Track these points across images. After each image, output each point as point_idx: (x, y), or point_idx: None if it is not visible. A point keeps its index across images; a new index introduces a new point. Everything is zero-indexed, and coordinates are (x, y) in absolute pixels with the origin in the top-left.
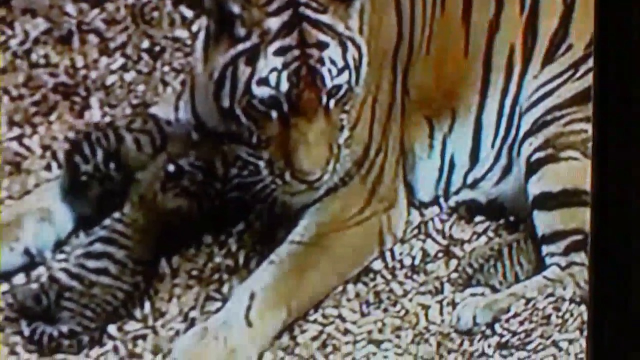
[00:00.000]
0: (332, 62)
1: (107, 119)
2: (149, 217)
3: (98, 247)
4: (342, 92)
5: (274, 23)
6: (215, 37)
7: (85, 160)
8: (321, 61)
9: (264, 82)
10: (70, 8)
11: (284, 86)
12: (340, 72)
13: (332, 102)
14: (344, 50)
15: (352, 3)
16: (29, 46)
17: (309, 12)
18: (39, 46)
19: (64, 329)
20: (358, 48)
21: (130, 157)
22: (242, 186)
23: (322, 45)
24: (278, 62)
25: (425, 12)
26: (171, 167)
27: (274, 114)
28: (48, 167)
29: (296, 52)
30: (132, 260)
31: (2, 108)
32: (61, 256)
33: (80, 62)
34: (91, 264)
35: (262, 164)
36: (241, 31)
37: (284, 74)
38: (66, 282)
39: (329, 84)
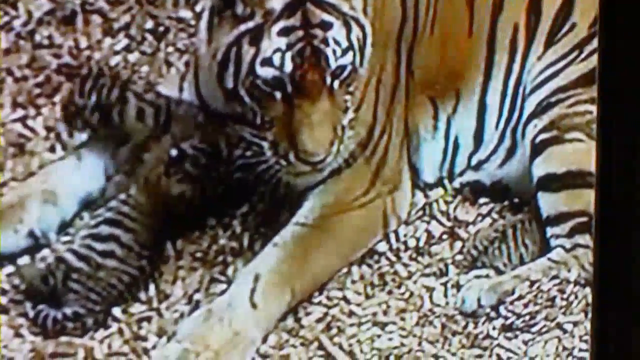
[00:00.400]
0: (336, 42)
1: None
2: (153, 200)
3: (104, 229)
4: (346, 73)
5: (277, 3)
6: (219, 16)
7: (81, 94)
8: (325, 42)
9: (267, 62)
10: None
11: (288, 67)
12: (345, 52)
13: (336, 83)
14: (348, 30)
15: None
16: (32, 27)
17: None
18: (43, 27)
19: (68, 311)
20: (362, 28)
21: (127, 121)
22: (246, 167)
23: (326, 26)
24: (282, 42)
25: None
26: (174, 152)
27: (278, 94)
28: (52, 149)
29: (300, 33)
30: (138, 243)
31: (5, 89)
32: (66, 238)
33: (84, 43)
34: (98, 246)
35: (266, 145)
36: (244, 10)
37: (288, 55)
38: (74, 263)
39: (333, 64)
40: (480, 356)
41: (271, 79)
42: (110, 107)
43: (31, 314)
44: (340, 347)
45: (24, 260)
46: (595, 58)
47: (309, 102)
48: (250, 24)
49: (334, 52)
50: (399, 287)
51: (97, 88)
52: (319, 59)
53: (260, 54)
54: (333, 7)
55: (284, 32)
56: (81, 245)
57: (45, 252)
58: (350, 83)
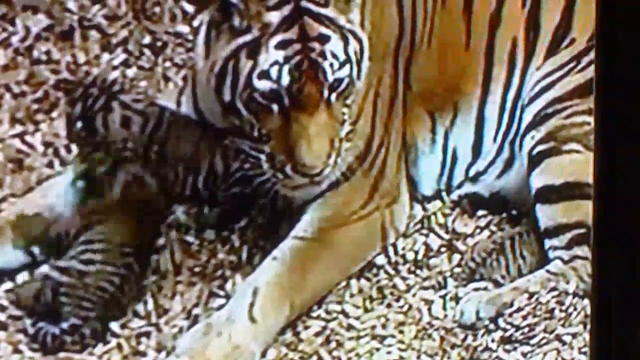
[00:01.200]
0: (334, 55)
1: None
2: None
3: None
4: (343, 86)
5: (274, 16)
6: (217, 30)
7: (72, 103)
8: (323, 55)
9: (265, 75)
10: (71, 4)
11: (285, 80)
12: (342, 65)
13: (333, 96)
14: (346, 43)
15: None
16: (30, 43)
17: (310, 6)
18: (41, 43)
19: (66, 325)
20: (359, 41)
21: (111, 129)
22: (244, 180)
23: (324, 39)
24: (279, 55)
25: (426, 5)
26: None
27: (275, 107)
28: (50, 164)
29: (297, 46)
30: (115, 244)
31: (4, 105)
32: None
33: (82, 59)
34: (77, 255)
35: (263, 157)
36: (241, 24)
37: (286, 68)
38: (57, 278)
39: (331, 77)
40: None
41: (269, 91)
42: (94, 115)
43: (31, 330)
44: None
45: (22, 276)
46: (592, 69)
47: (306, 114)
48: (248, 37)
49: (332, 65)
50: (397, 300)
51: (84, 97)
52: (317, 72)
53: (258, 67)
54: (330, 21)
55: (282, 45)
56: (63, 260)
57: (44, 268)
58: (347, 96)
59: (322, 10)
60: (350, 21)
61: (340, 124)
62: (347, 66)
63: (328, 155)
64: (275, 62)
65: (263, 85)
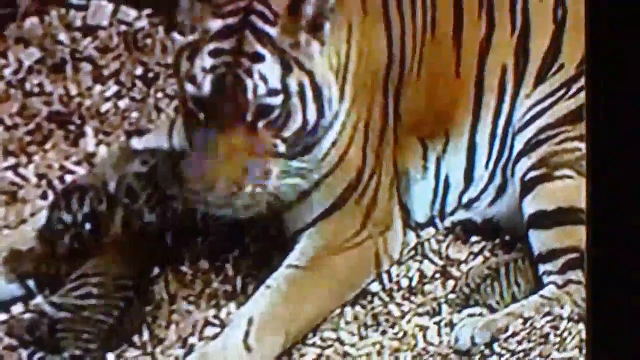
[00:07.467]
0: (263, 78)
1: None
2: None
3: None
4: (274, 115)
5: (216, 24)
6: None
7: (68, 210)
8: (249, 73)
9: (192, 80)
10: (63, 36)
11: (207, 88)
12: (272, 93)
13: (261, 123)
14: (285, 71)
15: (322, 29)
16: (22, 75)
17: (257, 21)
18: (33, 75)
19: (66, 355)
20: (310, 75)
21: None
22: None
23: (257, 57)
24: (209, 63)
25: (415, 35)
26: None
27: (202, 116)
28: (44, 196)
29: (228, 58)
30: (112, 277)
31: None
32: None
33: (74, 90)
34: (73, 291)
35: None
36: (187, 26)
37: (209, 76)
38: (54, 314)
39: (252, 99)
40: None
41: (192, 97)
42: (99, 214)
43: None
44: None
45: (17, 308)
46: (582, 95)
47: (220, 132)
48: (190, 39)
49: (256, 87)
50: (392, 326)
51: (84, 199)
52: (238, 90)
53: (191, 70)
54: (271, 42)
55: (214, 53)
56: (58, 295)
57: (39, 299)
58: (283, 128)
59: (267, 28)
60: (307, 54)
61: (271, 156)
62: (280, 97)
63: (235, 182)
64: (203, 69)
65: (190, 89)
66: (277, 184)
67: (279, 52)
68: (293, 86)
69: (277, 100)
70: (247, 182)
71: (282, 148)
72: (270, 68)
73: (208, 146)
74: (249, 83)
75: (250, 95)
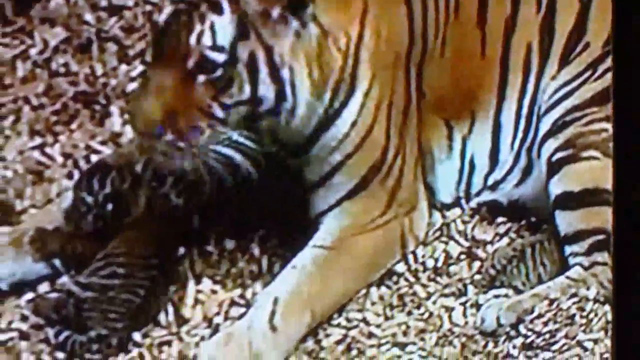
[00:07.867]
0: (212, 29)
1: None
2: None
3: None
4: (216, 75)
5: None
6: None
7: (90, 190)
8: (202, 19)
9: (160, 8)
10: (88, 16)
11: (161, 20)
12: (217, 49)
13: (201, 77)
14: (239, 34)
15: (305, 10)
16: (48, 55)
17: None
18: (59, 55)
19: (93, 334)
20: (268, 51)
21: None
22: None
23: (216, 8)
24: None
25: (438, 17)
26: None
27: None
28: (70, 175)
29: None
30: (137, 257)
31: (23, 117)
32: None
33: (99, 70)
34: (99, 271)
35: None
36: None
37: (166, 10)
38: (80, 294)
39: (193, 45)
40: None
41: (153, 25)
42: (121, 195)
43: (55, 340)
44: None
45: (43, 286)
46: (609, 76)
47: (158, 68)
48: None
49: (201, 34)
50: (418, 307)
51: (105, 180)
52: (184, 31)
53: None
54: (237, 5)
55: None
56: (84, 275)
57: (65, 278)
58: (223, 93)
59: None
60: (266, 18)
61: (203, 114)
62: (224, 56)
63: (154, 120)
64: (167, 3)
65: (155, 17)
66: (206, 147)
67: (241, 14)
68: (243, 53)
69: (221, 58)
70: (173, 128)
71: (218, 112)
72: (224, 25)
73: (143, 81)
74: (197, 28)
75: (193, 40)
